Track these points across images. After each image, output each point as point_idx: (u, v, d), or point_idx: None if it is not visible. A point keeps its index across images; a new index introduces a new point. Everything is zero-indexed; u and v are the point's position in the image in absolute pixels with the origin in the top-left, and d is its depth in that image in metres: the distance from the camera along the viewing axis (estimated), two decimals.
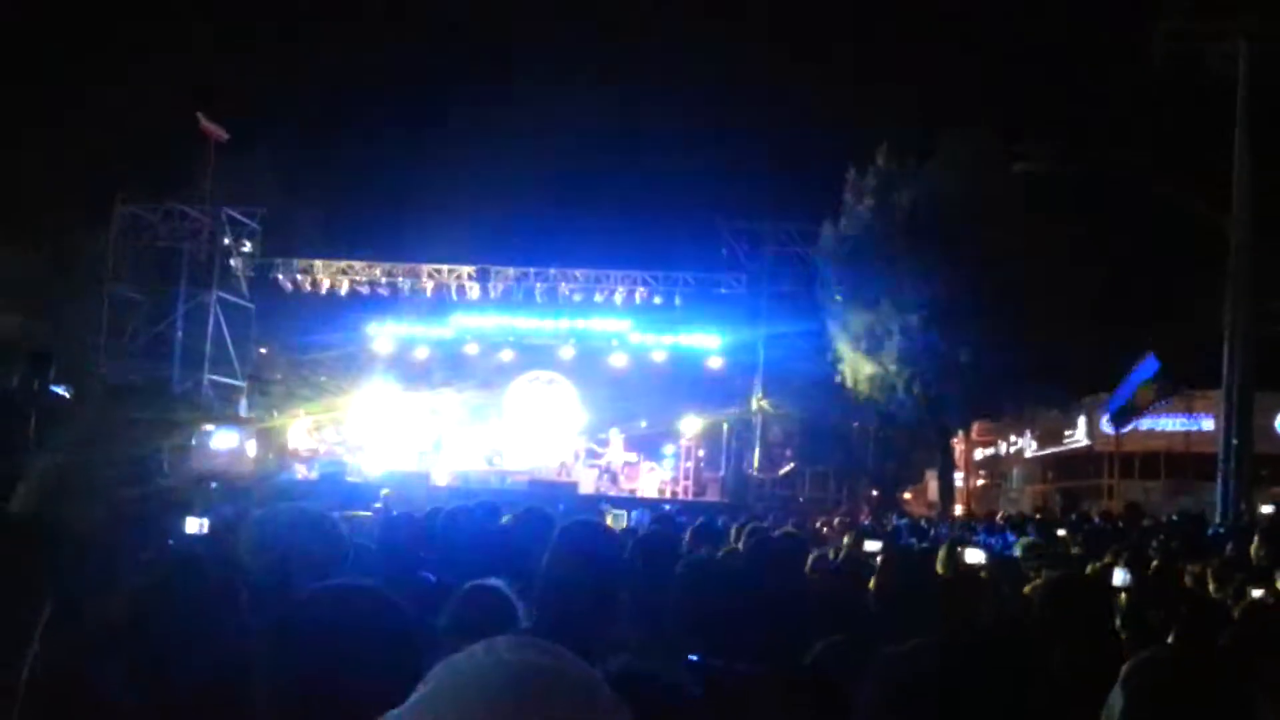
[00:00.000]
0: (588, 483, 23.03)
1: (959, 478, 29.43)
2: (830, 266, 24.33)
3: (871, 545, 7.02)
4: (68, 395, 9.80)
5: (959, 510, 25.58)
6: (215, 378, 26.05)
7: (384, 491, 14.56)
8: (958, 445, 29.11)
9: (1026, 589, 5.41)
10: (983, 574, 5.81)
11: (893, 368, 23.16)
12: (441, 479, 22.78)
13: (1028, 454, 37.90)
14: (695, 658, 3.12)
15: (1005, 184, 20.71)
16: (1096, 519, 13.81)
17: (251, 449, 19.14)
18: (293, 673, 1.81)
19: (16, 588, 1.08)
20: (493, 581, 2.90)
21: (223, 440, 17.39)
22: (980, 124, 23.22)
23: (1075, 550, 9.37)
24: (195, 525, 2.84)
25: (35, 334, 21.83)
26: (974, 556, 5.77)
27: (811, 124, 27.02)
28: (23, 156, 27.31)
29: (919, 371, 22.84)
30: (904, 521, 16.72)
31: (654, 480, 24.01)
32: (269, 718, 1.82)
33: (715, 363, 25.93)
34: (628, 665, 1.83)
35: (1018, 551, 8.47)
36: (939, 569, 6.07)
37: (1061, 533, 10.89)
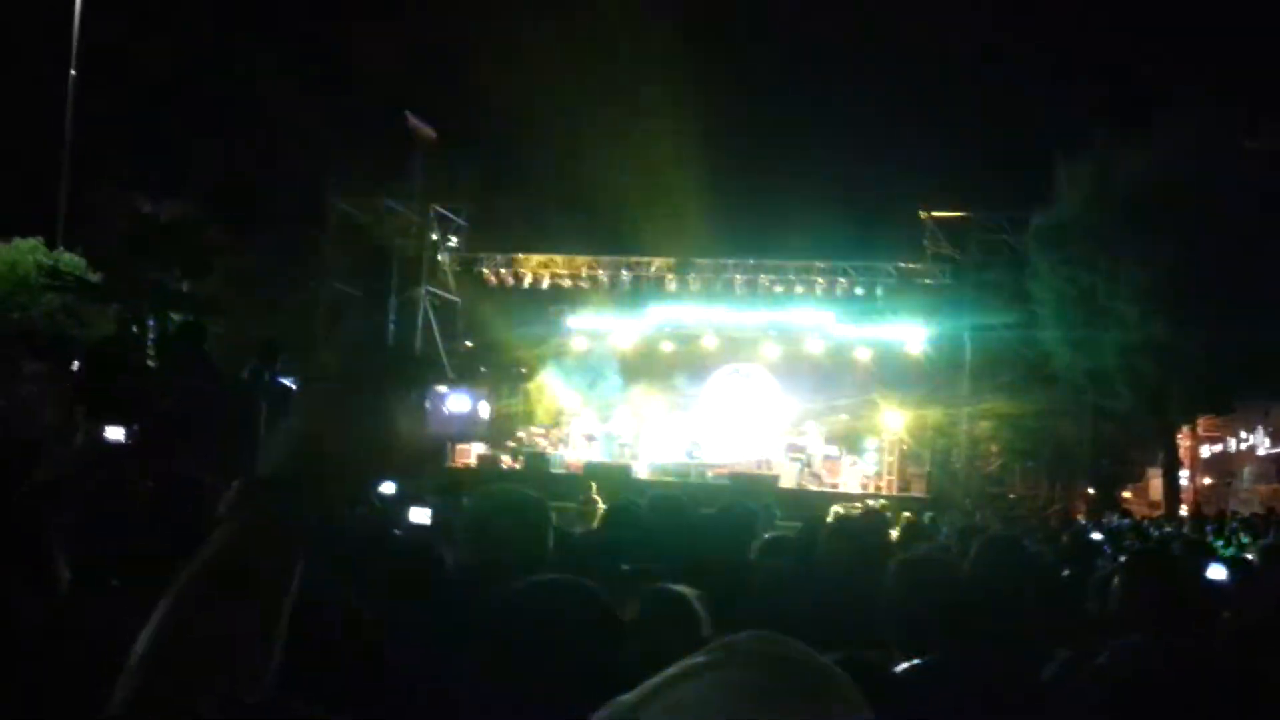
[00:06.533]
0: (789, 477, 22.77)
1: (1183, 476, 27.76)
2: (1041, 255, 23.36)
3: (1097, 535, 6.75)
4: (294, 386, 10.33)
5: (1184, 510, 24.13)
6: None
7: (592, 484, 14.72)
8: (1182, 441, 27.48)
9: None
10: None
11: (1110, 360, 22.04)
12: (642, 472, 22.96)
13: (1260, 451, 35.43)
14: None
15: (1236, 162, 19.38)
16: None
17: (485, 411, 19.51)
18: (498, 664, 1.81)
19: (273, 549, 1.10)
20: (679, 587, 2.83)
21: (457, 403, 17.70)
22: (1206, 99, 21.80)
23: None
24: (420, 515, 2.88)
25: (261, 328, 23.16)
26: (1216, 573, 5.32)
27: (1019, 106, 25.94)
28: (245, 155, 28.96)
29: (1139, 364, 21.66)
30: (1125, 522, 15.88)
31: (856, 475, 23.55)
32: (470, 703, 1.82)
33: (919, 355, 25.24)
34: (850, 656, 1.75)
35: (1251, 555, 7.86)
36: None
37: None
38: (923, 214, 26.27)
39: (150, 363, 14.36)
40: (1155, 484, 28.05)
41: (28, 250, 23.57)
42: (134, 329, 16.46)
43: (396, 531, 3.18)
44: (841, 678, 0.89)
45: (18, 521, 2.79)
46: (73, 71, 24.26)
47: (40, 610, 2.32)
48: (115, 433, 3.95)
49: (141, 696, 1.02)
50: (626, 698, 0.89)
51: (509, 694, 1.78)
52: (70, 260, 24.18)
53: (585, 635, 1.79)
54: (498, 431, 23.74)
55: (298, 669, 1.13)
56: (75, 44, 24.69)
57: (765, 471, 22.79)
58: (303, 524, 1.13)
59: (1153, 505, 26.92)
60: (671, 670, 0.89)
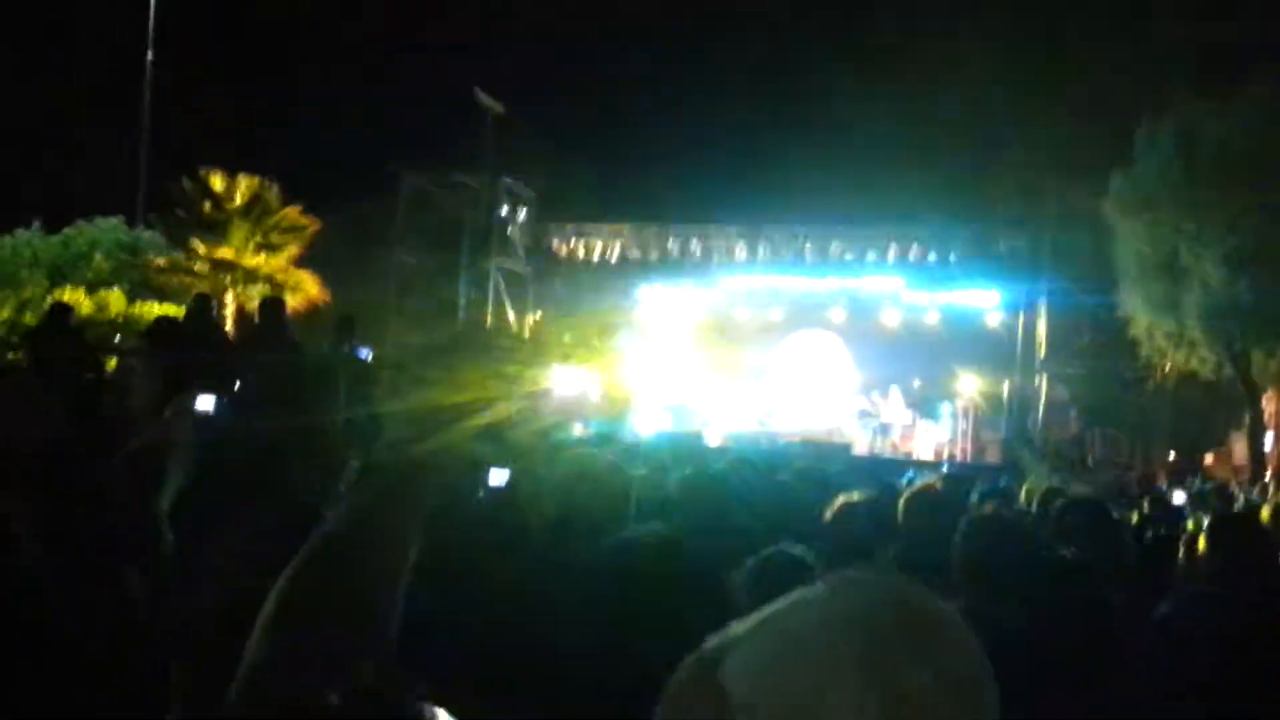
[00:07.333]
0: (861, 443, 22.66)
1: (1269, 439, 27.09)
2: (1121, 217, 22.85)
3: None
4: (369, 357, 10.50)
5: (1269, 474, 23.55)
6: None
7: (665, 453, 14.72)
8: (1268, 404, 26.79)
9: None
10: None
11: (1192, 323, 21.54)
12: (714, 440, 22.96)
13: None
14: None
15: None
16: None
17: (595, 393, 19.40)
18: (600, 617, 1.83)
19: (390, 531, 1.12)
20: (796, 549, 2.82)
21: (567, 383, 17.56)
22: None
23: None
24: (497, 477, 2.93)
25: (337, 301, 23.51)
26: None
27: (1100, 64, 25.30)
28: (326, 129, 29.26)
29: (1223, 327, 21.15)
30: (1208, 485, 15.57)
31: (930, 441, 23.37)
32: (569, 658, 1.85)
33: (994, 320, 24.88)
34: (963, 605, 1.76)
35: None
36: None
37: None
38: (996, 176, 25.81)
39: (229, 336, 14.68)
40: (1239, 448, 27.39)
41: (109, 230, 24.13)
42: (213, 303, 16.82)
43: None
44: (957, 622, 0.90)
45: (120, 490, 2.89)
46: (149, 54, 24.70)
47: (148, 578, 2.40)
48: (205, 403, 4.05)
49: (263, 680, 1.04)
50: (739, 625, 0.90)
51: (609, 645, 1.80)
52: (149, 238, 24.72)
53: (681, 585, 1.82)
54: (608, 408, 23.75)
55: (408, 644, 1.15)
56: (151, 27, 25.13)
57: (837, 439, 22.69)
58: (420, 507, 1.14)
59: (1235, 469, 26.29)
60: (785, 601, 0.91)
